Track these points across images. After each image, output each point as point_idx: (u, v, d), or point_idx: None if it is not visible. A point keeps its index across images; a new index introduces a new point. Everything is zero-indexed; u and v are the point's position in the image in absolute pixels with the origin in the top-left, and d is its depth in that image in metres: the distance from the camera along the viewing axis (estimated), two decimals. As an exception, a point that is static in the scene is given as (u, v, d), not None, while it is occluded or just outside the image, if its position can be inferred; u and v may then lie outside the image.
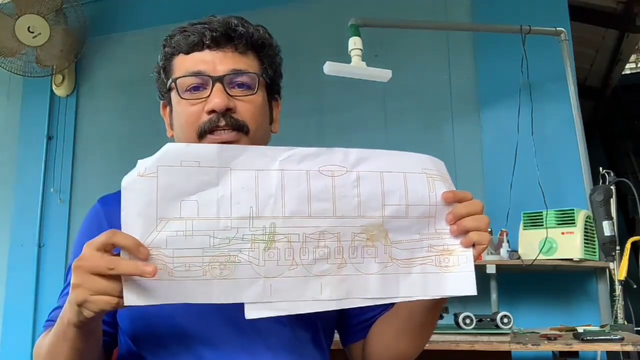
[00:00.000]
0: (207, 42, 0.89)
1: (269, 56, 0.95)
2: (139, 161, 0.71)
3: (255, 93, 0.91)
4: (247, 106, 0.90)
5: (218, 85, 0.88)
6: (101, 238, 0.69)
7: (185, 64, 0.90)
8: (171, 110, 0.95)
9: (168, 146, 0.71)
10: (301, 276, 0.72)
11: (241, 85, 0.90)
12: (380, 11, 3.04)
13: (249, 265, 0.70)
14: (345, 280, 0.73)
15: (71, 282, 0.70)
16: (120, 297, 0.68)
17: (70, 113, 3.62)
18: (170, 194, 0.70)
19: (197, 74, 0.89)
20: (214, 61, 0.89)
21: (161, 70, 0.95)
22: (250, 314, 0.71)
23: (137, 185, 0.70)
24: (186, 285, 0.69)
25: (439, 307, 0.86)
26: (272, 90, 0.97)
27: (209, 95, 0.88)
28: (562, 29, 2.53)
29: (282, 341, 0.87)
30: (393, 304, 0.90)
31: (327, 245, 0.73)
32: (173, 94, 0.92)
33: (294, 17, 3.23)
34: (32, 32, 3.27)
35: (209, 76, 0.88)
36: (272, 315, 0.72)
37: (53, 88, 3.62)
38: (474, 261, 0.77)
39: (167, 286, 0.69)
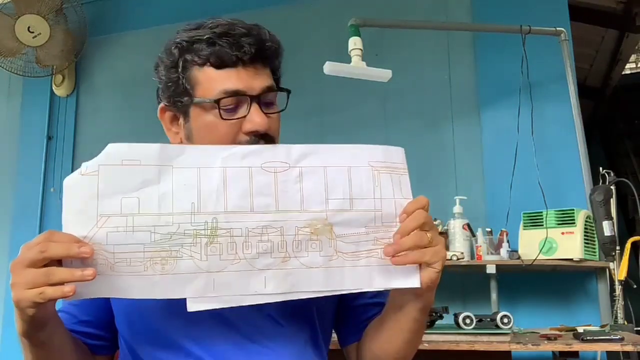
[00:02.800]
0: (246, 59, 0.86)
1: (279, 63, 0.94)
2: (83, 163, 0.73)
3: (284, 109, 0.91)
4: (276, 123, 0.90)
5: (255, 105, 0.86)
6: (38, 237, 0.69)
7: (217, 81, 0.86)
8: (177, 120, 0.92)
9: (110, 146, 0.73)
10: (244, 270, 0.72)
11: (271, 103, 0.90)
12: (380, 11, 3.04)
13: (190, 260, 0.70)
14: (290, 273, 0.73)
15: (11, 283, 0.70)
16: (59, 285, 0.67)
17: (70, 113, 3.62)
18: (111, 191, 0.71)
19: (236, 93, 0.85)
20: (249, 79, 0.86)
21: (180, 76, 0.88)
22: (192, 306, 0.71)
23: (79, 184, 0.71)
24: (127, 280, 0.69)
25: (423, 313, 0.85)
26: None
27: (245, 115, 0.86)
28: (562, 29, 2.53)
29: (280, 341, 0.87)
30: (382, 307, 0.90)
31: (270, 240, 0.73)
32: (197, 108, 0.88)
33: (294, 17, 3.23)
34: (32, 32, 3.27)
35: (248, 95, 0.86)
36: (215, 308, 0.71)
37: (53, 88, 3.62)
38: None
39: (109, 280, 0.69)
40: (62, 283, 0.67)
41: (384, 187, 0.77)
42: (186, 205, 0.72)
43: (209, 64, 0.86)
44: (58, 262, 0.69)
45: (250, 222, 0.72)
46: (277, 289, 0.73)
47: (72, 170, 3.00)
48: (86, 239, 0.69)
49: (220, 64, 0.86)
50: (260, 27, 0.89)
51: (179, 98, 0.89)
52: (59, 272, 0.68)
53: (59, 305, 0.89)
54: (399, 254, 0.75)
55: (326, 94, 3.06)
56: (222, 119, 0.85)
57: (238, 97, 0.85)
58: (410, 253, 0.75)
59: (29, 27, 3.27)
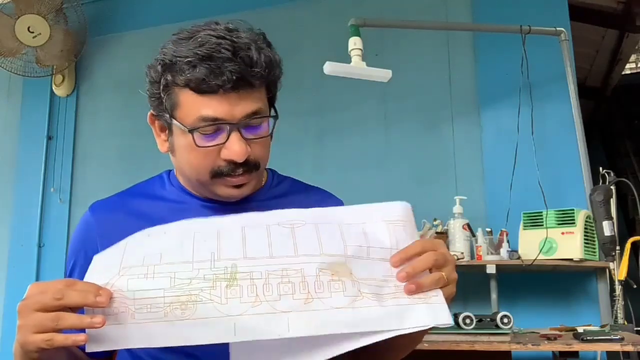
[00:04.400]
0: (227, 87, 0.81)
1: (276, 79, 0.90)
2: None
3: (269, 135, 0.88)
4: (260, 147, 0.88)
5: (235, 133, 0.83)
6: (55, 283, 0.67)
7: (197, 106, 0.83)
8: (166, 130, 0.91)
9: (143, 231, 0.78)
10: (266, 313, 0.70)
11: (256, 127, 0.86)
12: (380, 11, 3.04)
13: (210, 304, 0.69)
14: (314, 315, 0.70)
15: (17, 325, 0.68)
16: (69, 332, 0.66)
17: (70, 113, 3.62)
18: (134, 252, 0.73)
19: (214, 121, 0.82)
20: (230, 105, 0.82)
21: (161, 94, 0.86)
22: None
23: (107, 253, 0.75)
24: (148, 328, 0.68)
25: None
26: (272, 105, 0.93)
27: (224, 142, 0.83)
28: (562, 29, 2.53)
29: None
30: None
31: (291, 281, 0.71)
32: (178, 128, 0.86)
33: (294, 17, 3.23)
34: (32, 32, 3.27)
35: (227, 123, 0.83)
36: None
37: (53, 88, 3.62)
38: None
39: (130, 330, 0.68)
40: (70, 329, 0.66)
41: (400, 239, 0.77)
42: (205, 254, 0.72)
43: (188, 87, 0.83)
44: (70, 309, 0.68)
45: (269, 265, 0.72)
46: (302, 332, 0.70)
47: (72, 171, 3.00)
48: (107, 286, 0.69)
49: (199, 90, 0.82)
50: (250, 48, 0.83)
51: (161, 113, 0.88)
52: (68, 318, 0.66)
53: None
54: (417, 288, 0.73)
55: (326, 94, 3.06)
56: (197, 146, 0.83)
57: (219, 125, 0.83)
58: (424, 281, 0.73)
59: (29, 27, 3.27)
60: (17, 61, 3.39)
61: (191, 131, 0.83)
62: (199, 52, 0.81)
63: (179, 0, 3.45)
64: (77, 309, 0.68)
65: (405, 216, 0.79)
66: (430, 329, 0.75)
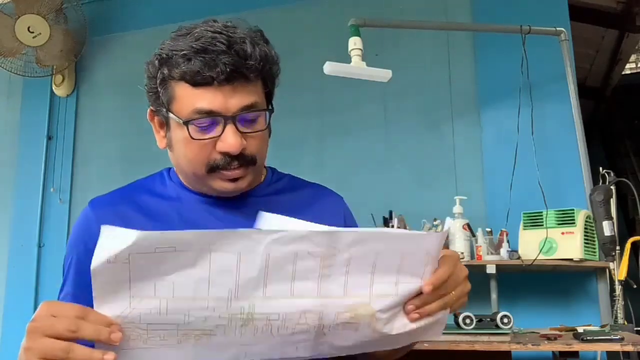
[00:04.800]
0: (221, 79, 0.82)
1: (273, 74, 0.91)
2: (108, 250, 0.64)
3: (265, 129, 0.89)
4: (257, 142, 0.88)
5: (230, 126, 0.84)
6: (69, 309, 0.66)
7: (192, 98, 0.84)
8: (164, 126, 0.92)
9: (140, 236, 0.64)
10: (277, 343, 0.71)
11: (252, 121, 0.87)
12: (380, 11, 3.04)
13: (224, 337, 0.69)
14: (322, 344, 0.74)
15: (24, 345, 0.66)
16: None
17: (70, 113, 3.62)
18: (143, 276, 0.65)
19: (209, 113, 0.83)
20: (225, 97, 0.83)
21: (158, 88, 0.88)
22: None
23: (109, 271, 0.65)
24: (160, 352, 0.69)
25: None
26: (269, 101, 0.94)
27: (220, 135, 0.84)
28: (562, 29, 2.53)
29: None
30: None
31: (307, 323, 0.71)
32: (175, 122, 0.87)
33: (294, 17, 3.23)
34: (32, 32, 3.27)
35: (221, 116, 0.84)
36: None
37: (53, 88, 3.62)
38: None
39: (141, 353, 0.68)
40: None
41: (431, 271, 0.75)
42: (223, 291, 0.67)
43: (184, 80, 0.84)
44: None
45: (288, 307, 0.69)
46: (308, 354, 0.74)
47: (72, 171, 2.98)
48: (119, 319, 0.66)
49: (194, 82, 0.83)
50: (245, 42, 0.84)
51: (159, 108, 0.89)
52: (79, 351, 0.64)
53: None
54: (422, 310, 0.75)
55: (326, 94, 3.06)
56: (192, 139, 0.84)
57: (214, 117, 0.84)
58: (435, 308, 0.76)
59: (29, 27, 3.27)
60: (17, 61, 3.39)
61: (186, 123, 0.84)
62: (194, 45, 0.82)
63: (179, 0, 3.45)
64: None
65: (441, 247, 0.76)
66: None
